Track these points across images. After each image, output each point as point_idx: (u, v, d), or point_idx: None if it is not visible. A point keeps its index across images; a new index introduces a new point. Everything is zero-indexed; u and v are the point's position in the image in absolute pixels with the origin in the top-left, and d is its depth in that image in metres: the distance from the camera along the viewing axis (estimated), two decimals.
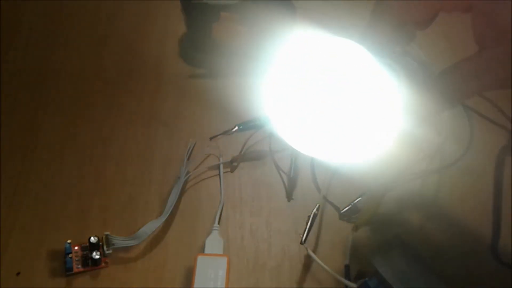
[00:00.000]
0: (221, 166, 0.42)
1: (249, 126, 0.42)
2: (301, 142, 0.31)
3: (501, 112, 0.46)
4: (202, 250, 0.37)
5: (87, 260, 0.36)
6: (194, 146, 0.43)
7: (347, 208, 0.40)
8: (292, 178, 0.41)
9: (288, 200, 0.41)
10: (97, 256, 0.36)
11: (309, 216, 0.37)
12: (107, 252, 0.36)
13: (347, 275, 0.34)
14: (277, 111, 0.31)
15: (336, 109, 0.29)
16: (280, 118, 0.31)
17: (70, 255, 0.36)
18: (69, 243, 0.36)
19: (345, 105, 0.29)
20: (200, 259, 0.35)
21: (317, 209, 0.37)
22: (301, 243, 0.35)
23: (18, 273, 0.36)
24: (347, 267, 0.35)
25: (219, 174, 0.42)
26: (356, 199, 0.40)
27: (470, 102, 0.47)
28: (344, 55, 0.29)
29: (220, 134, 0.42)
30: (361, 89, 0.28)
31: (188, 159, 0.42)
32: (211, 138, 0.42)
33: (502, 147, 0.43)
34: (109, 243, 0.36)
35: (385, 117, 0.28)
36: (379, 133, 0.29)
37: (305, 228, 0.36)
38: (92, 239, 0.36)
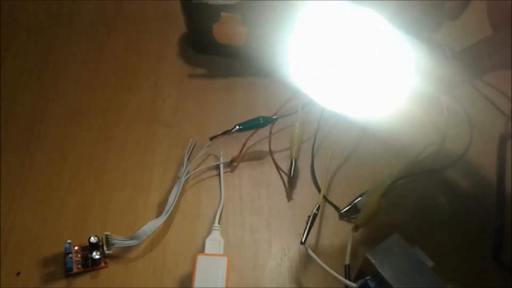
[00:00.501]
0: (221, 166, 0.42)
1: (249, 126, 0.42)
2: (326, 97, 0.36)
3: (503, 94, 0.46)
4: (202, 250, 0.37)
5: (87, 260, 0.36)
6: (194, 146, 0.43)
7: (347, 208, 0.40)
8: (292, 178, 0.41)
9: (288, 200, 0.41)
10: (97, 256, 0.36)
11: (309, 216, 0.37)
12: (107, 252, 0.36)
13: (347, 275, 0.34)
14: (302, 68, 0.35)
15: (355, 69, 0.32)
16: (304, 73, 0.35)
17: (70, 255, 0.36)
18: (69, 243, 0.36)
19: (364, 66, 0.32)
20: (200, 259, 0.35)
21: (317, 209, 0.37)
22: (301, 243, 0.35)
23: (18, 273, 0.36)
24: (347, 267, 0.35)
25: (219, 174, 0.42)
26: (356, 199, 0.40)
27: (471, 99, 0.47)
28: (366, 22, 0.32)
29: (220, 134, 0.42)
30: (379, 53, 0.32)
31: (188, 159, 0.42)
32: (211, 138, 0.42)
33: (500, 134, 0.43)
34: (109, 243, 0.36)
35: (400, 77, 0.31)
36: (394, 90, 0.32)
37: (305, 228, 0.36)
38: (92, 239, 0.36)
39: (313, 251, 0.34)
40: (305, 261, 0.37)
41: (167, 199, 0.39)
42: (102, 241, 0.37)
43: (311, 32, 0.34)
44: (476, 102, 0.47)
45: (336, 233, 0.39)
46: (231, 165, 0.43)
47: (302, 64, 0.35)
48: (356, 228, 0.37)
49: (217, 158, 0.43)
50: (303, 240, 0.35)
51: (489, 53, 0.29)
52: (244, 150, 0.43)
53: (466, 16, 0.34)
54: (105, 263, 0.36)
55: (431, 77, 0.31)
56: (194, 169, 0.42)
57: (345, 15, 0.33)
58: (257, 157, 0.43)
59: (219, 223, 0.39)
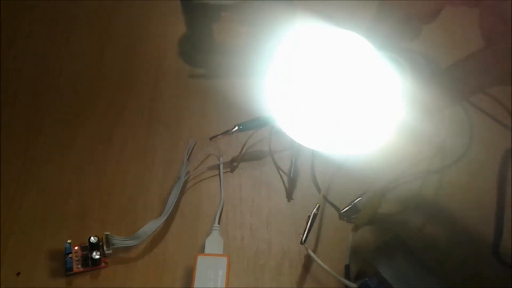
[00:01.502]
0: (221, 166, 0.42)
1: (249, 126, 0.42)
2: (303, 135, 0.31)
3: (502, 106, 0.46)
4: (202, 250, 0.37)
5: (87, 260, 0.36)
6: (194, 146, 0.43)
7: (347, 208, 0.40)
8: (292, 178, 0.41)
9: (288, 200, 0.41)
10: (97, 256, 0.36)
11: (309, 216, 0.37)
12: (107, 252, 0.36)
13: (347, 275, 0.34)
14: (278, 104, 0.32)
15: (337, 101, 0.29)
16: (282, 112, 0.32)
17: (70, 255, 0.36)
18: (69, 243, 0.36)
19: (346, 98, 0.29)
20: (200, 259, 0.35)
21: (317, 209, 0.37)
22: (301, 243, 0.35)
23: (18, 273, 0.36)
24: (347, 267, 0.35)
25: (219, 174, 0.42)
26: (356, 199, 0.40)
27: (472, 98, 0.47)
28: (346, 46, 0.29)
29: (220, 134, 0.42)
30: (362, 81, 0.28)
31: (188, 159, 0.42)
32: (211, 138, 0.42)
33: (506, 150, 0.43)
34: (109, 243, 0.36)
35: (386, 109, 0.28)
36: (380, 125, 0.29)
37: (305, 228, 0.36)
38: (92, 239, 0.36)
39: (313, 251, 0.35)
40: (305, 261, 0.37)
41: (167, 199, 0.39)
42: (102, 241, 0.37)
43: (289, 63, 0.30)
44: (475, 102, 0.47)
45: (336, 233, 0.39)
46: (231, 165, 0.43)
47: (282, 100, 0.31)
48: (356, 228, 0.37)
49: (217, 158, 0.43)
50: (303, 240, 0.35)
51: (483, 69, 0.26)
52: (244, 150, 0.43)
53: (443, 21, 0.32)
54: (105, 263, 0.36)
55: (416, 102, 0.27)
56: (194, 169, 0.42)
57: (326, 41, 0.30)
58: (257, 157, 0.43)
59: (219, 223, 0.39)
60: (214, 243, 0.37)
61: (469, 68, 0.26)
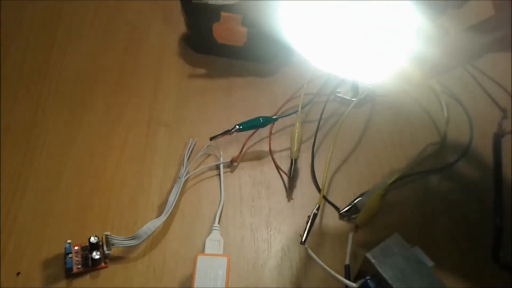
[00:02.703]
0: (221, 166, 0.42)
1: (249, 126, 0.42)
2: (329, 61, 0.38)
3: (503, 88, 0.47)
4: (202, 250, 0.37)
5: (87, 260, 0.36)
6: (194, 146, 0.43)
7: (347, 208, 0.40)
8: (292, 178, 0.41)
9: (288, 200, 0.41)
10: (97, 256, 0.36)
11: (309, 216, 0.37)
12: (107, 252, 0.36)
13: (347, 275, 0.34)
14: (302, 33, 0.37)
15: (359, 33, 0.34)
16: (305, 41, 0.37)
17: (70, 255, 0.36)
18: (69, 243, 0.36)
19: (368, 30, 0.34)
20: (200, 259, 0.35)
21: (317, 209, 0.37)
22: (301, 243, 0.35)
23: (18, 273, 0.36)
24: (347, 267, 0.35)
25: (219, 174, 0.42)
26: (356, 199, 0.40)
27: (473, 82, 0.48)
28: None
29: (220, 134, 0.42)
30: (383, 20, 0.33)
31: (188, 159, 0.42)
32: (211, 138, 0.42)
33: (495, 133, 0.43)
34: (109, 243, 0.36)
35: (400, 43, 0.33)
36: (394, 54, 0.33)
37: (305, 228, 0.36)
38: (92, 239, 0.36)
39: (313, 251, 0.34)
40: (305, 261, 0.37)
41: (167, 199, 0.39)
42: (102, 241, 0.37)
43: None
44: (475, 102, 0.47)
45: (336, 233, 0.39)
46: (231, 165, 0.43)
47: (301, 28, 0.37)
48: (356, 228, 0.37)
49: (217, 158, 0.43)
50: (303, 240, 0.35)
51: (491, 31, 0.30)
52: (244, 150, 0.43)
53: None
54: (105, 263, 0.37)
55: (435, 44, 0.31)
56: (194, 169, 0.42)
57: None
58: (257, 157, 0.43)
59: (219, 223, 0.39)
60: (214, 243, 0.37)
61: (481, 30, 0.31)
